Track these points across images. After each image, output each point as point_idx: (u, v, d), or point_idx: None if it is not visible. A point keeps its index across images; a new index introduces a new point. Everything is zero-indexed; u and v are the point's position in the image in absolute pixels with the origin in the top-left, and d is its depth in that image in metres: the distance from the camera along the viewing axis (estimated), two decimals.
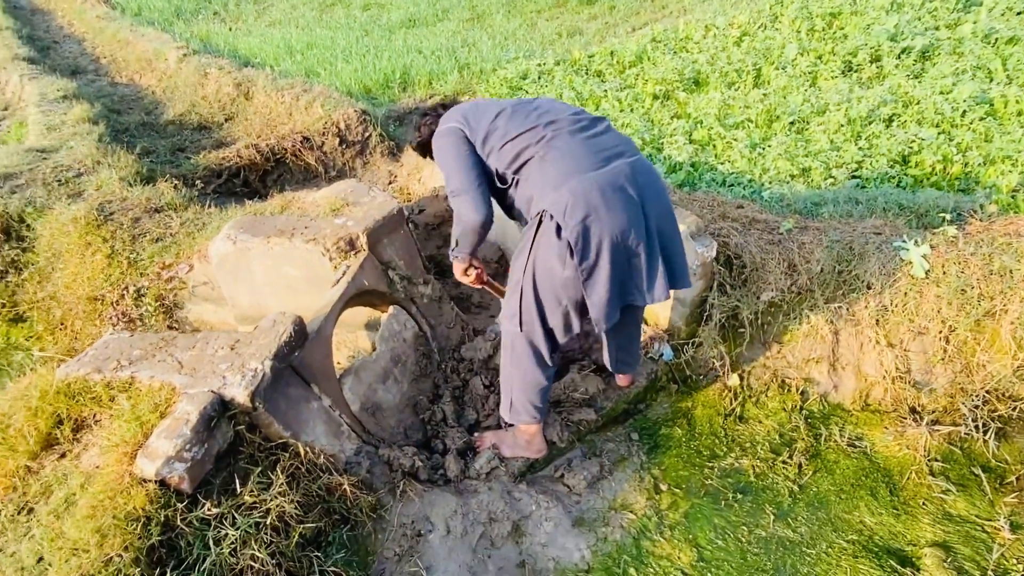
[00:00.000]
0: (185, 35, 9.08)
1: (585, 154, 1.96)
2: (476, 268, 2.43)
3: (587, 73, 6.01)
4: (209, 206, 3.90)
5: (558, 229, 1.92)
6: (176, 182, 4.29)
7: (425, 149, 2.44)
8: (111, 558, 1.63)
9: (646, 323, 3.08)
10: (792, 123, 4.45)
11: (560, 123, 2.04)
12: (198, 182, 4.62)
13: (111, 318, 3.30)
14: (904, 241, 2.75)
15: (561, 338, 2.20)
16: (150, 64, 7.83)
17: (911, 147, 3.94)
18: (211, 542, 1.76)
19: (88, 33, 10.09)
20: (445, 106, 2.41)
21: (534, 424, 2.45)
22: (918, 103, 4.39)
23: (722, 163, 4.10)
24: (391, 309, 2.86)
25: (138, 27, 9.36)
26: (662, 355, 2.94)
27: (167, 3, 11.37)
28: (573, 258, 1.93)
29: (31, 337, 3.75)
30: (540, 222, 1.99)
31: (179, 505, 1.77)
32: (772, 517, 2.40)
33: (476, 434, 2.63)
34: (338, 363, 2.87)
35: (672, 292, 2.88)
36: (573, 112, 2.11)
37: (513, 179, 2.10)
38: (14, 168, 4.33)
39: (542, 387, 2.32)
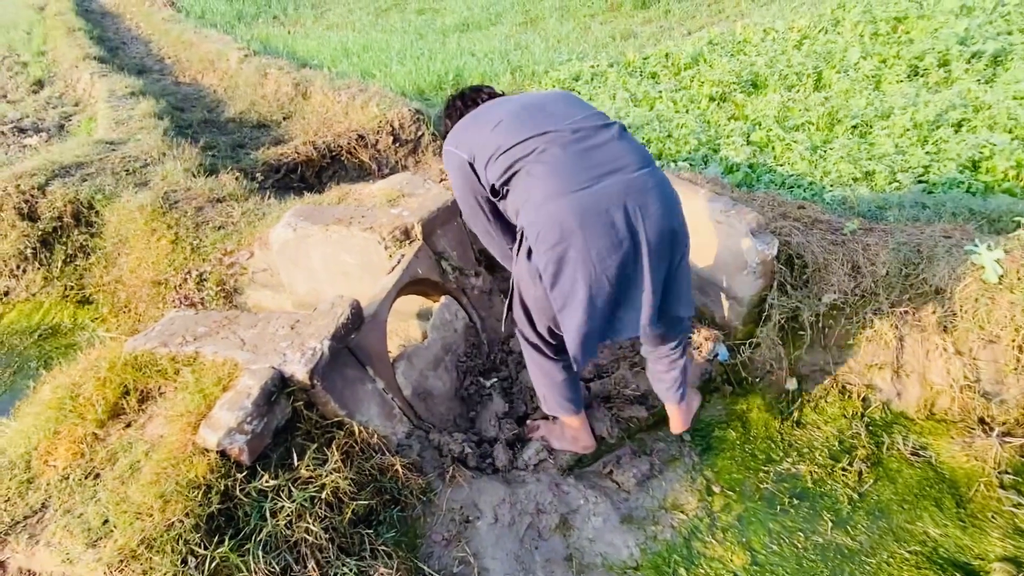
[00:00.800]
0: (246, 37, 9.36)
1: (573, 171, 1.79)
2: None
3: (641, 75, 5.96)
4: (268, 198, 4.00)
5: (530, 252, 1.85)
6: (237, 175, 4.42)
7: None
8: (173, 523, 1.67)
9: (699, 321, 3.02)
10: (855, 126, 4.33)
11: (557, 133, 1.86)
12: (258, 175, 4.75)
13: (174, 301, 3.41)
14: (976, 245, 2.63)
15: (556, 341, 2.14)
16: (212, 64, 8.10)
17: (982, 152, 3.78)
18: (268, 513, 1.79)
19: (154, 35, 10.50)
20: (463, 97, 2.28)
21: (574, 417, 2.42)
22: (989, 108, 4.22)
23: (781, 165, 4.01)
24: (443, 299, 2.88)
25: (201, 29, 9.70)
26: (717, 355, 2.88)
27: (229, 7, 11.76)
28: (542, 282, 1.86)
29: (96, 318, 3.91)
30: (522, 237, 1.91)
31: (238, 476, 1.80)
32: (830, 524, 2.32)
33: (530, 420, 2.62)
34: (390, 351, 2.90)
35: (728, 293, 2.84)
36: (581, 117, 1.93)
37: (503, 190, 1.98)
38: (85, 158, 4.53)
39: (561, 379, 2.25)
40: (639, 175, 1.82)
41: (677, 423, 2.55)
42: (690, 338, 2.75)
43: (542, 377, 2.29)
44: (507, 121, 1.94)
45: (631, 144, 1.91)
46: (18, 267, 4.14)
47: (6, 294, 4.18)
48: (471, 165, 2.02)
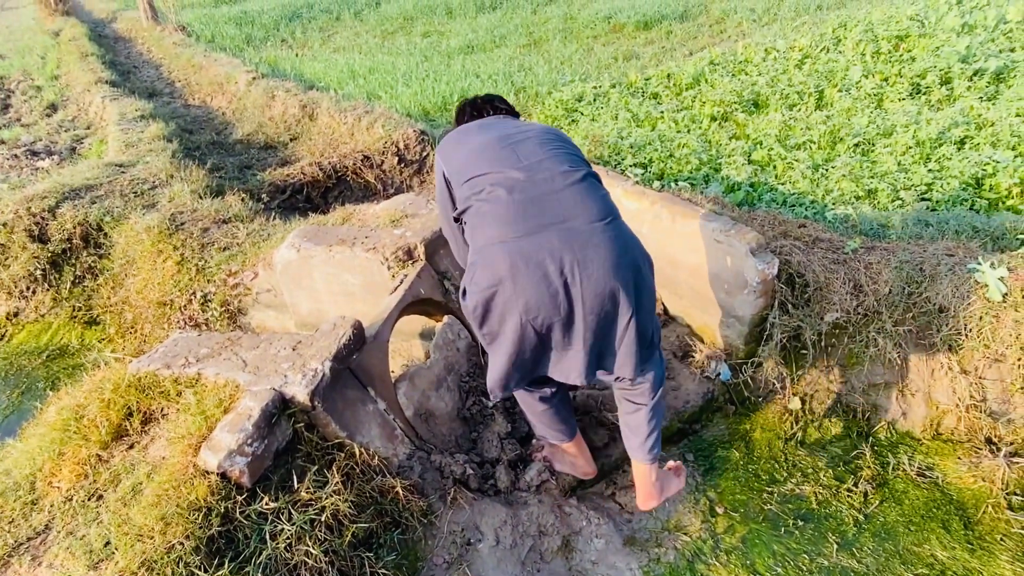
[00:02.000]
0: (254, 60, 9.51)
1: (515, 218, 1.75)
2: None
3: (643, 95, 6.01)
4: (273, 219, 4.04)
5: (465, 291, 1.86)
6: (243, 196, 4.47)
7: None
8: (173, 545, 1.67)
9: (701, 341, 3.01)
10: (857, 144, 4.34)
11: (506, 175, 1.83)
12: (264, 196, 4.80)
13: (179, 322, 3.43)
14: (979, 263, 2.62)
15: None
16: (221, 87, 8.22)
17: (985, 170, 3.78)
18: (267, 536, 1.78)
19: (165, 59, 10.68)
20: (474, 104, 2.27)
21: (567, 443, 2.41)
22: (992, 125, 4.23)
23: (783, 184, 4.02)
24: (446, 318, 2.89)
25: (211, 53, 9.86)
26: (719, 374, 2.87)
27: (238, 31, 11.94)
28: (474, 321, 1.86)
29: (104, 339, 3.94)
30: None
31: (239, 498, 1.81)
32: (835, 546, 2.30)
33: (535, 440, 2.62)
34: (392, 371, 2.91)
35: (729, 312, 2.84)
36: (548, 159, 1.87)
37: (462, 220, 1.98)
38: (95, 180, 4.59)
39: (541, 410, 2.23)
40: (586, 228, 1.74)
41: (646, 493, 2.25)
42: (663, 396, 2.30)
43: (525, 407, 2.31)
44: (480, 149, 1.94)
45: (589, 194, 1.82)
46: (28, 288, 4.19)
47: (16, 315, 4.23)
48: (447, 181, 2.03)
